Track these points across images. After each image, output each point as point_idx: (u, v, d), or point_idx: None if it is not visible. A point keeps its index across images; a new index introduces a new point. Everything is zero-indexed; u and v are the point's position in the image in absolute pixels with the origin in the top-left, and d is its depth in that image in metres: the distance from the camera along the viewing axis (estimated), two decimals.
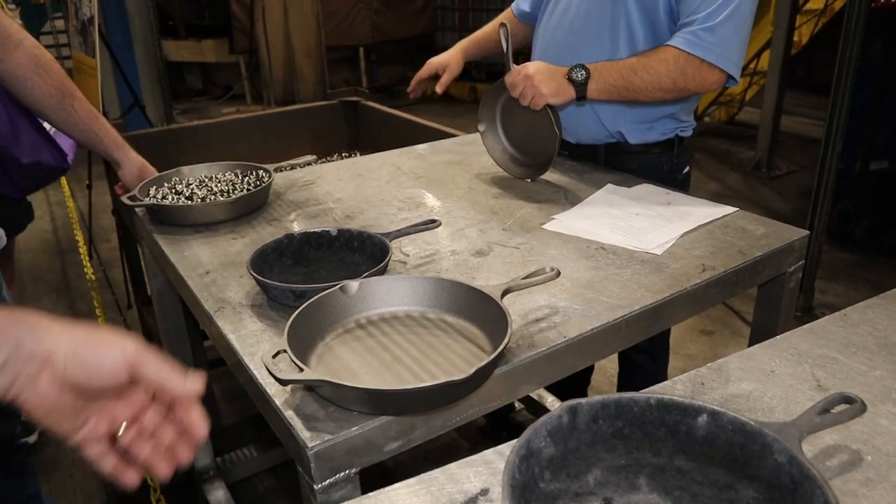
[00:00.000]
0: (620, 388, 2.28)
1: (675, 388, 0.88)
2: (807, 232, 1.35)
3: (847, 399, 0.74)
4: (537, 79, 1.52)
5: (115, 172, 1.69)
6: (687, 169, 1.80)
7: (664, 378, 2.12)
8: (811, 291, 3.17)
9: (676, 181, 1.75)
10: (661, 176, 1.69)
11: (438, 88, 1.86)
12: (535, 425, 0.70)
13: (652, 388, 0.88)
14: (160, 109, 5.51)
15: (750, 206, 4.45)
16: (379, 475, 0.85)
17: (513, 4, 1.97)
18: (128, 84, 3.74)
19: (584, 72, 1.52)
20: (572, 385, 2.25)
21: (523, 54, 1.85)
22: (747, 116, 6.24)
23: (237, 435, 2.17)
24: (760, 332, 1.40)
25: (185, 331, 1.74)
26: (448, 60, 1.91)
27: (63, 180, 4.82)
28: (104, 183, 2.73)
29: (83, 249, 3.78)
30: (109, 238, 3.96)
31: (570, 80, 1.53)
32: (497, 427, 2.39)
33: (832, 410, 0.73)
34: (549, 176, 1.71)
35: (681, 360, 2.85)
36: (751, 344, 1.42)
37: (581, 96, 1.54)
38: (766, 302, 1.40)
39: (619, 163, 1.75)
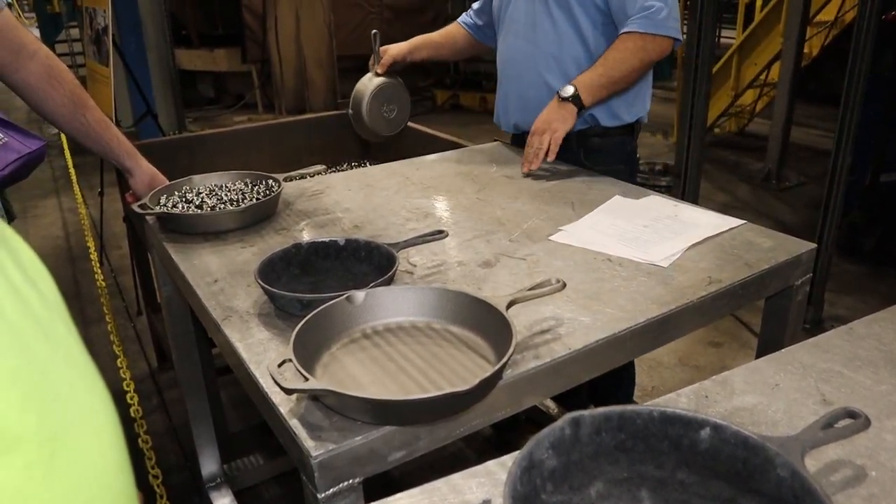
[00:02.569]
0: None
1: (678, 400, 0.88)
2: (814, 245, 1.34)
3: (851, 414, 0.73)
4: (544, 127, 1.77)
5: (126, 180, 1.71)
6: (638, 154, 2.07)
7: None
8: (820, 304, 3.16)
9: (635, 162, 2.02)
10: (625, 157, 1.96)
11: (379, 69, 2.07)
12: (538, 437, 0.70)
13: (655, 400, 0.88)
14: (172, 118, 5.56)
15: (759, 218, 4.43)
16: (384, 484, 0.85)
17: (461, 18, 2.19)
18: (140, 93, 3.78)
19: (571, 88, 1.76)
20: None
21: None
22: (757, 128, 6.22)
23: (244, 442, 2.18)
24: (768, 345, 1.40)
25: (193, 338, 1.75)
26: (392, 48, 2.10)
27: (76, 187, 4.87)
28: (116, 190, 2.76)
29: (94, 256, 3.81)
30: (120, 245, 3.99)
31: (564, 99, 1.76)
32: (503, 437, 2.38)
33: (836, 425, 0.73)
34: (557, 186, 1.71)
35: (688, 371, 2.84)
36: (758, 356, 1.42)
37: (581, 107, 1.78)
38: (774, 315, 1.39)
39: (590, 146, 1.91)
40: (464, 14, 2.21)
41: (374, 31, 2.10)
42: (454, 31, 2.20)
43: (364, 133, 2.17)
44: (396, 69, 2.12)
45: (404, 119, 2.16)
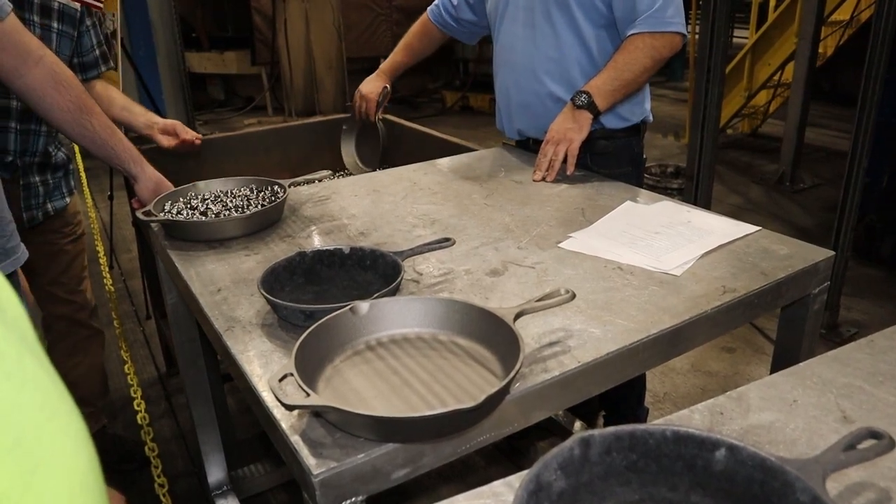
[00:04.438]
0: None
1: (692, 417, 0.85)
2: (832, 252, 1.31)
3: (874, 434, 0.70)
4: (560, 137, 1.75)
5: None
6: (645, 155, 2.06)
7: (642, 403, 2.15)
8: (836, 308, 3.11)
9: (642, 164, 2.01)
10: (632, 159, 1.94)
11: (372, 118, 2.21)
12: (546, 458, 0.67)
13: (669, 417, 0.85)
14: (182, 121, 5.56)
15: (773, 221, 4.37)
16: (393, 491, 0.83)
17: (436, 17, 2.17)
18: (149, 96, 3.77)
19: (584, 95, 1.74)
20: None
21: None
22: (771, 129, 6.16)
23: (251, 450, 2.16)
24: (784, 355, 1.36)
25: (199, 345, 1.73)
26: (368, 93, 2.23)
27: (86, 190, 4.88)
28: (125, 194, 2.75)
29: (103, 260, 3.81)
30: (130, 248, 3.99)
31: (579, 107, 1.74)
32: (513, 444, 2.35)
33: (859, 446, 0.69)
34: (566, 191, 1.68)
35: (701, 377, 2.80)
36: (773, 367, 1.38)
37: (596, 114, 1.75)
38: (790, 324, 1.36)
39: (596, 149, 1.88)
40: (439, 9, 2.16)
41: (385, 85, 2.25)
42: (417, 39, 2.24)
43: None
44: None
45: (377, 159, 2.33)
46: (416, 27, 2.23)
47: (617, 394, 2.12)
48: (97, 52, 2.04)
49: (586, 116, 1.75)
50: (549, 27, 1.82)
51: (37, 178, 1.92)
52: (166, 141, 2.04)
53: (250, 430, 2.36)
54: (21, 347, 0.33)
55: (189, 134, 2.05)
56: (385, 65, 2.23)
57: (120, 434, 2.41)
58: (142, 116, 2.09)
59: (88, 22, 1.99)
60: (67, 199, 2.04)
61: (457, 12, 2.12)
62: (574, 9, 1.78)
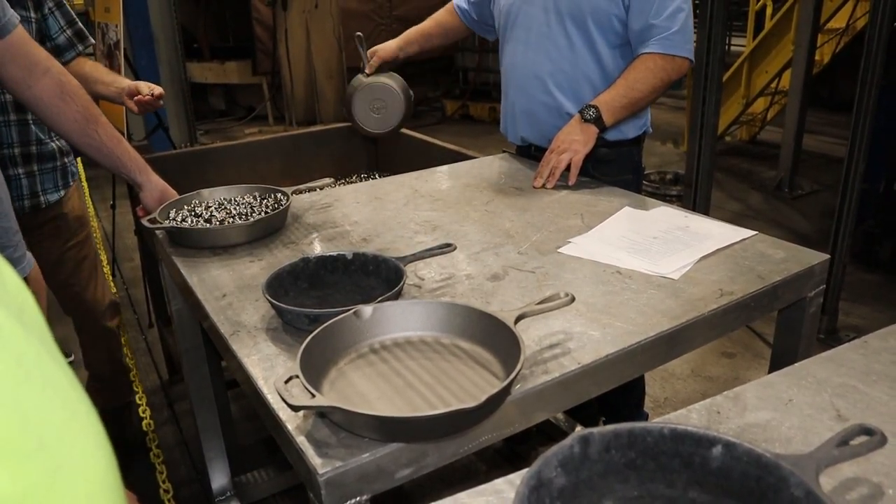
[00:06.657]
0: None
1: (690, 416, 0.87)
2: (827, 256, 1.33)
3: (867, 430, 0.72)
4: (565, 147, 1.78)
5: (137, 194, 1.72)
6: (643, 163, 2.11)
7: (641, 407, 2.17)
8: (835, 313, 3.12)
9: (641, 171, 2.07)
10: (633, 167, 2.00)
11: (368, 70, 2.07)
12: (546, 455, 0.69)
13: (666, 416, 0.87)
14: (184, 130, 5.59)
15: (772, 227, 4.39)
16: (395, 497, 0.85)
17: (457, 1, 2.16)
18: None
19: (593, 109, 1.78)
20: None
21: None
22: (769, 136, 6.19)
23: (254, 456, 2.17)
24: (781, 357, 1.38)
25: (203, 351, 1.75)
26: (381, 48, 2.10)
27: (88, 199, 4.91)
28: (128, 202, 2.77)
29: (106, 268, 3.83)
30: (132, 257, 4.01)
31: (587, 120, 1.78)
32: (514, 449, 2.37)
33: (852, 442, 0.71)
34: (566, 197, 1.71)
35: (701, 382, 2.81)
36: (771, 369, 1.40)
37: (602, 128, 1.78)
38: (787, 326, 1.38)
39: (598, 157, 1.89)
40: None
41: (358, 33, 2.13)
42: (446, 19, 2.19)
43: (360, 131, 2.16)
44: (393, 67, 2.12)
45: (397, 118, 2.12)
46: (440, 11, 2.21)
47: (616, 399, 2.14)
48: (69, 31, 2.02)
49: (593, 130, 1.78)
50: (564, 39, 1.84)
51: (19, 171, 1.91)
52: (135, 107, 2.02)
53: (253, 437, 2.37)
54: (40, 349, 0.34)
55: (145, 91, 2.01)
56: (404, 34, 2.18)
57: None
58: (112, 86, 2.07)
59: (51, 3, 1.97)
60: (62, 192, 2.03)
61: (472, 9, 2.13)
62: (591, 27, 1.81)
